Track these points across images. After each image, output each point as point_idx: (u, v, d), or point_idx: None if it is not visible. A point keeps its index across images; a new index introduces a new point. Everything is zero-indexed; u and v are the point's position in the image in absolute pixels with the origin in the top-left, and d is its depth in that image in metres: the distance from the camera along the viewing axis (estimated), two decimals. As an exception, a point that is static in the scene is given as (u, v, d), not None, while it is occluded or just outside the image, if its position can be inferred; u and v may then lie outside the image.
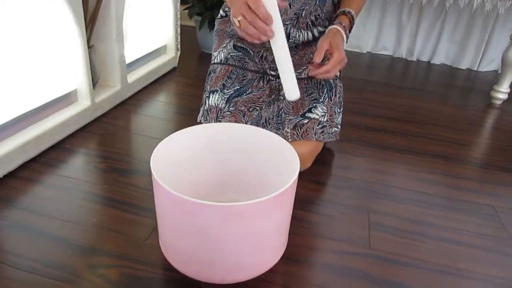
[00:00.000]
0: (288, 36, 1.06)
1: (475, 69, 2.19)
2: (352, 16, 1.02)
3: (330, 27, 1.00)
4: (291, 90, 0.85)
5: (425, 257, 0.80)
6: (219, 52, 1.09)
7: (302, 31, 1.06)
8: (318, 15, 1.05)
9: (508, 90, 1.68)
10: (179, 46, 1.78)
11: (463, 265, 0.79)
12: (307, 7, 1.02)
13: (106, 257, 0.75)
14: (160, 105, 1.43)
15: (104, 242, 0.78)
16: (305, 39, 1.07)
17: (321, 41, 0.95)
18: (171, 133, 0.76)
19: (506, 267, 0.80)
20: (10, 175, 0.96)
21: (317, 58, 0.93)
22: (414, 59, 2.26)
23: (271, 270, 0.72)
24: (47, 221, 0.83)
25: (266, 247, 0.66)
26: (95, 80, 1.28)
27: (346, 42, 1.02)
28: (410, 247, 0.83)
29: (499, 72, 1.68)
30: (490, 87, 1.73)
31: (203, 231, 0.59)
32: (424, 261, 0.79)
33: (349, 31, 1.03)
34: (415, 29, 2.20)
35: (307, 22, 1.04)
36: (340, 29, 0.98)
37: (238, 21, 0.79)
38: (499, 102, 1.70)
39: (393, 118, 1.46)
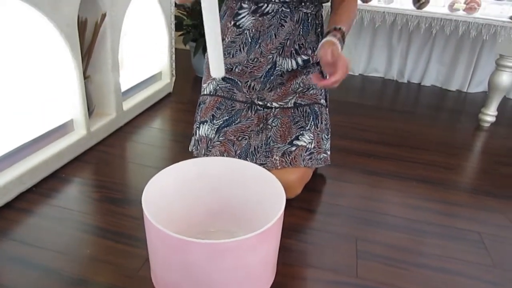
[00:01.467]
0: (274, 64, 1.10)
1: (465, 90, 2.24)
2: (343, 33, 0.98)
3: (323, 40, 0.96)
4: (218, 65, 0.72)
5: (411, 286, 0.82)
6: (208, 84, 1.13)
7: (287, 59, 1.10)
8: (302, 44, 1.09)
9: (495, 113, 1.72)
10: (174, 72, 1.83)
11: (448, 293, 0.81)
12: (291, 37, 1.07)
13: (98, 289, 0.77)
14: (155, 132, 1.46)
15: (96, 273, 0.80)
16: (289, 67, 1.11)
17: (322, 52, 0.91)
18: (165, 161, 0.79)
19: (490, 294, 0.82)
20: (7, 206, 0.98)
21: (328, 57, 0.88)
22: (405, 80, 2.31)
23: (259, 301, 0.73)
24: (40, 253, 0.84)
25: (254, 280, 0.68)
26: (91, 109, 1.32)
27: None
28: (396, 276, 0.85)
29: (488, 93, 1.73)
30: (479, 109, 1.77)
31: (191, 265, 0.62)
32: (409, 289, 0.81)
33: (341, 47, 0.98)
34: (405, 52, 2.26)
35: (291, 50, 1.09)
36: (335, 40, 0.94)
37: None
38: (487, 125, 1.74)
39: (383, 142, 1.49)
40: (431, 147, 1.48)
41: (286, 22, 1.06)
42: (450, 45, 2.17)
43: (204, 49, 1.92)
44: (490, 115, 1.72)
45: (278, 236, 0.71)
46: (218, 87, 1.12)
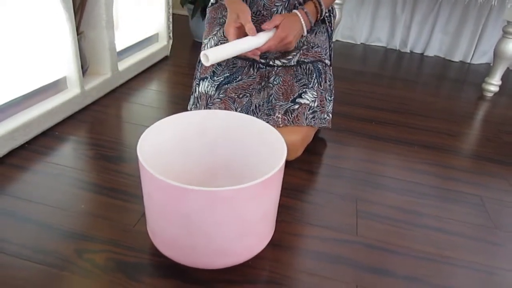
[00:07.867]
0: None
1: (468, 61, 2.20)
2: (320, 3, 1.02)
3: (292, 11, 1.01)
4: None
5: (411, 244, 0.81)
6: (210, 40, 1.08)
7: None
8: None
9: (499, 83, 1.69)
10: (171, 35, 1.77)
11: (449, 252, 0.80)
12: None
13: (93, 242, 0.75)
14: (151, 93, 1.42)
15: (92, 228, 0.78)
16: None
17: (275, 15, 0.97)
18: (161, 121, 0.76)
19: (490, 255, 0.81)
20: (-2, 161, 0.95)
21: (266, 25, 0.95)
22: (408, 50, 2.26)
23: (258, 256, 0.72)
24: (34, 207, 0.82)
25: (252, 233, 0.66)
26: (84, 68, 1.27)
27: (308, 30, 1.02)
28: (397, 235, 0.84)
29: (492, 64, 1.69)
30: (482, 80, 1.74)
31: (188, 216, 0.59)
32: (409, 248, 0.80)
33: (316, 19, 1.04)
34: (409, 21, 2.20)
35: (295, 3, 1.04)
36: (299, 14, 0.99)
37: None
38: (490, 95, 1.70)
39: (385, 109, 1.46)
40: (433, 115, 1.46)
41: None
42: (455, 14, 2.11)
43: (202, 12, 1.85)
44: (494, 84, 1.68)
45: (278, 189, 0.68)
46: (219, 43, 1.07)
